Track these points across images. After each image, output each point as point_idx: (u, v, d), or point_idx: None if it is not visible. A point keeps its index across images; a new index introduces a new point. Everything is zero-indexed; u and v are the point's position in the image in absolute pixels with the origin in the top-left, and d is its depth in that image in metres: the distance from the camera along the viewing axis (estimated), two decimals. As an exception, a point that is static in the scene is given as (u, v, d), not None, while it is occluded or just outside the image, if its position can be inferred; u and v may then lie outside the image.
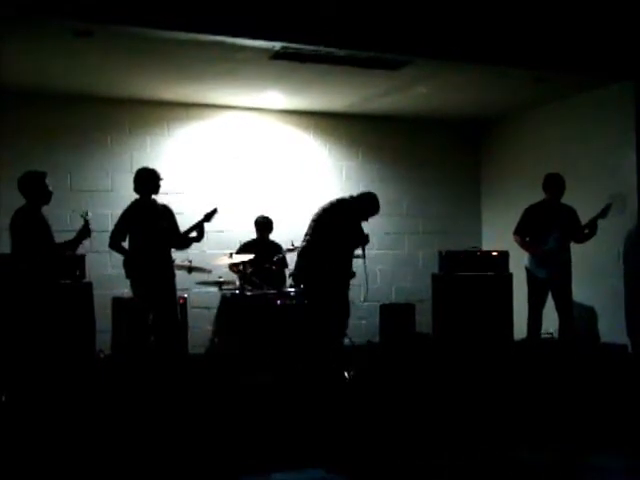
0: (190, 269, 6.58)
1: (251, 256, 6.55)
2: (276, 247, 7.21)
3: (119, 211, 5.97)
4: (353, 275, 6.48)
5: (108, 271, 7.13)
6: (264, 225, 7.37)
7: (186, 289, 6.79)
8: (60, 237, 5.54)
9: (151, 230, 5.86)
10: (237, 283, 6.61)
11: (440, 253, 7.45)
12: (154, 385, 5.45)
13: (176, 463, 4.12)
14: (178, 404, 5.09)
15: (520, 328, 6.96)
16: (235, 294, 6.44)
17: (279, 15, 5.73)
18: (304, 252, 6.30)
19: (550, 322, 6.81)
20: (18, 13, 5.12)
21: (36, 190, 5.36)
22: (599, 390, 5.54)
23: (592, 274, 7.17)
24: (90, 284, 6.51)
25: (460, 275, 7.24)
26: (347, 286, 6.40)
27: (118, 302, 6.68)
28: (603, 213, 6.55)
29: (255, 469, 4.05)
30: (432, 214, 8.81)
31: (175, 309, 5.97)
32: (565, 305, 6.59)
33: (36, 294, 5.26)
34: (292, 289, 6.45)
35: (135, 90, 7.31)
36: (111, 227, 5.99)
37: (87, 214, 5.62)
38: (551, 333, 7.07)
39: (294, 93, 7.52)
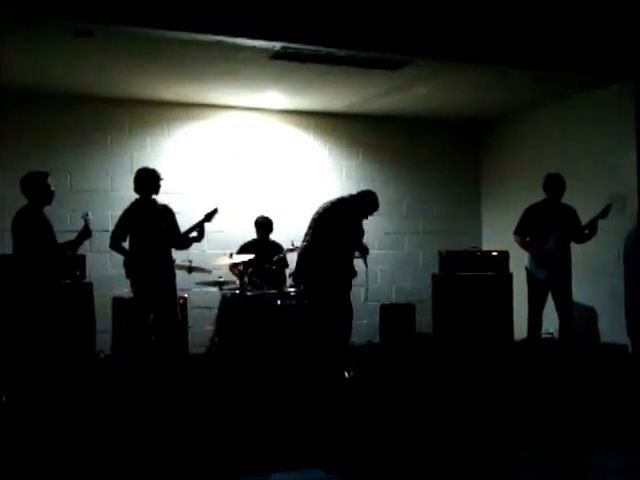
0: (190, 269, 6.59)
1: (251, 256, 6.56)
2: (276, 247, 7.21)
3: (119, 211, 5.97)
4: (355, 274, 6.47)
5: (108, 271, 7.13)
6: (264, 225, 7.37)
7: (186, 289, 6.79)
8: (60, 237, 5.55)
9: (151, 230, 5.86)
10: (237, 283, 6.62)
11: (440, 253, 7.45)
12: (154, 385, 5.45)
13: (176, 463, 4.12)
14: (178, 404, 5.09)
15: (520, 328, 6.96)
16: (235, 294, 6.45)
17: (279, 15, 5.73)
18: (304, 252, 6.30)
19: (550, 322, 6.81)
20: (18, 13, 5.13)
21: (38, 190, 5.36)
22: (599, 390, 5.54)
23: (592, 274, 7.16)
24: (90, 284, 6.52)
25: (460, 275, 7.24)
26: (349, 286, 6.34)
27: (118, 302, 6.69)
28: (603, 213, 6.55)
29: (255, 469, 4.05)
30: (432, 214, 8.81)
31: (175, 309, 5.97)
32: (565, 305, 6.59)
33: (36, 294, 5.27)
34: (292, 289, 6.45)
35: (135, 90, 7.31)
36: (111, 227, 5.99)
37: (87, 215, 5.63)
38: (551, 333, 7.07)
39: (294, 93, 7.52)
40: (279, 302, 6.30)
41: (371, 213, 6.49)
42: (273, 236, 7.42)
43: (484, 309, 7.13)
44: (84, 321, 6.29)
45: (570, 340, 6.58)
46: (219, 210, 6.15)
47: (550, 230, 6.54)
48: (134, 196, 5.96)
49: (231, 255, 6.60)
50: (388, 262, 8.56)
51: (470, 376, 6.00)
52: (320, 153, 8.46)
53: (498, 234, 8.29)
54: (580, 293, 6.96)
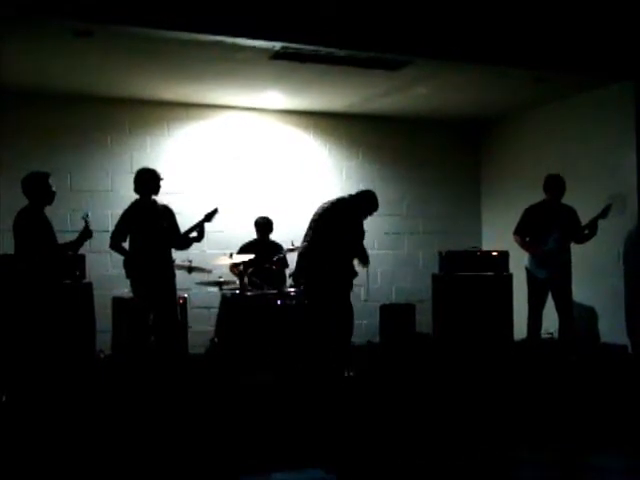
0: (190, 269, 6.58)
1: (251, 256, 6.56)
2: (276, 247, 7.21)
3: (119, 211, 5.97)
4: (355, 274, 6.46)
5: (108, 271, 7.13)
6: (264, 226, 7.37)
7: (186, 289, 6.79)
8: (60, 237, 5.55)
9: (151, 230, 5.86)
10: (237, 283, 6.62)
11: (440, 253, 7.45)
12: (154, 385, 5.45)
13: (176, 463, 4.12)
14: (178, 404, 5.09)
15: (520, 328, 6.96)
16: (235, 294, 6.45)
17: (279, 15, 5.73)
18: (305, 252, 6.30)
19: (550, 322, 6.81)
20: (18, 13, 5.13)
21: (39, 190, 5.36)
22: (599, 390, 5.54)
23: (592, 274, 7.16)
24: (90, 284, 6.51)
25: (460, 275, 7.23)
26: (350, 286, 6.33)
27: (118, 302, 6.68)
28: (603, 213, 6.55)
29: (255, 469, 4.05)
30: (432, 214, 8.81)
31: (175, 309, 5.97)
32: (565, 305, 6.59)
33: (36, 294, 5.26)
34: (292, 289, 6.45)
35: (135, 90, 7.31)
36: (111, 227, 5.99)
37: (87, 216, 5.63)
38: (551, 333, 7.06)
39: (294, 93, 7.52)
40: (279, 302, 6.29)
41: (371, 213, 6.49)
42: (273, 236, 7.41)
43: (484, 309, 7.12)
44: (84, 321, 6.28)
45: (570, 340, 6.59)
46: (219, 210, 6.15)
47: (550, 230, 6.54)
48: (134, 196, 5.96)
49: (231, 255, 6.59)
50: (388, 262, 8.56)
51: (470, 376, 6.00)
52: (320, 153, 8.46)
53: (498, 234, 8.29)
54: (580, 293, 6.97)
